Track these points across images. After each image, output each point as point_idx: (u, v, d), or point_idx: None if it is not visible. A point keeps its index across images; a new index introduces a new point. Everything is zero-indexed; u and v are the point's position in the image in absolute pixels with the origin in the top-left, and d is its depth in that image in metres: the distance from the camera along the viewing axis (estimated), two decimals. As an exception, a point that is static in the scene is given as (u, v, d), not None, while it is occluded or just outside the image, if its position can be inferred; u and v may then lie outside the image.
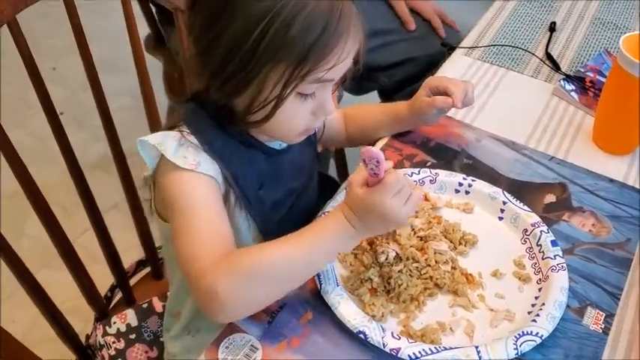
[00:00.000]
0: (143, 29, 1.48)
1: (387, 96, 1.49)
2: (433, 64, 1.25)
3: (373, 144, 0.94)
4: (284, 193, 0.80)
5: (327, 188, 0.86)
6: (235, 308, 0.64)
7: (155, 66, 1.44)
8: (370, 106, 0.96)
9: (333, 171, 1.51)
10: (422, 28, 1.37)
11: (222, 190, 0.72)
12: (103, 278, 1.05)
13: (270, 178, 0.77)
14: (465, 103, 0.87)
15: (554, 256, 0.76)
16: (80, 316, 1.12)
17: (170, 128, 0.72)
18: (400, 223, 0.68)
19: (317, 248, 0.66)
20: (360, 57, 0.72)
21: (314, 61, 0.66)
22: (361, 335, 0.67)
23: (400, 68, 1.37)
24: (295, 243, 0.65)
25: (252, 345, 0.68)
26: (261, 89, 0.67)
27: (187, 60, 0.73)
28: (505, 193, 0.84)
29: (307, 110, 0.71)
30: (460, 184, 0.86)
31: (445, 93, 0.85)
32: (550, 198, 0.86)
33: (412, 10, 1.37)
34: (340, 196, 0.81)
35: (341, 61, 0.68)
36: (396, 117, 0.91)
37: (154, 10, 1.47)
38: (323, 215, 0.78)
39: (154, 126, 1.01)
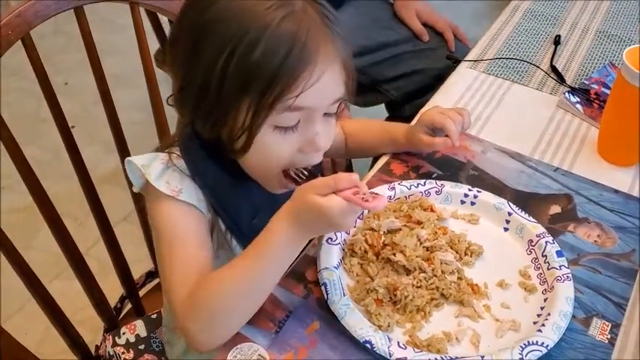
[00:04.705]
0: (154, 44, 1.50)
1: (394, 109, 1.50)
2: (441, 76, 1.26)
3: (378, 157, 0.95)
4: None
5: None
6: (211, 341, 0.67)
7: (166, 79, 1.46)
8: (370, 124, 0.96)
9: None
10: (432, 40, 1.38)
11: (207, 217, 0.72)
12: (113, 289, 1.07)
13: (264, 207, 0.76)
14: (463, 130, 0.89)
15: (560, 266, 0.76)
16: (90, 327, 1.13)
17: (166, 147, 0.74)
18: (336, 224, 0.63)
19: (268, 263, 0.65)
20: (350, 86, 0.70)
21: (280, 87, 0.63)
22: (367, 345, 0.68)
23: (408, 80, 1.37)
24: (247, 262, 0.65)
25: (259, 354, 0.69)
26: (236, 119, 0.66)
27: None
28: (510, 204, 0.84)
29: (291, 145, 0.69)
30: (466, 196, 0.86)
31: (441, 127, 0.86)
32: (555, 209, 0.87)
33: (425, 25, 1.38)
34: None
35: (309, 86, 0.64)
36: (394, 141, 0.93)
37: (167, 21, 1.48)
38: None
39: (163, 140, 1.02)
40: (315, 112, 0.68)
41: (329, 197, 0.62)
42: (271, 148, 0.68)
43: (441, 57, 1.34)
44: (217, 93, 0.65)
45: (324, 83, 0.66)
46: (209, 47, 0.65)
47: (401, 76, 1.37)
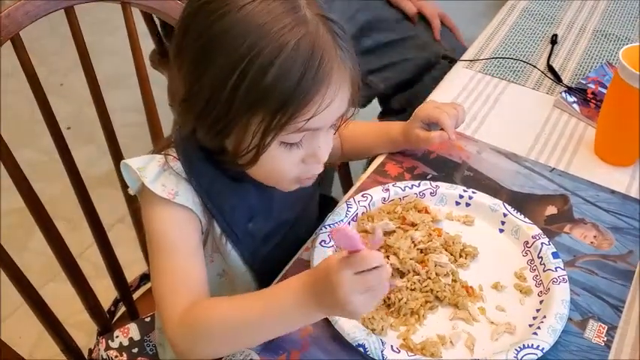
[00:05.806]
0: (150, 44, 1.49)
1: (385, 101, 1.48)
2: (428, 66, 1.24)
3: (373, 158, 0.95)
4: (275, 225, 0.79)
5: (328, 209, 0.85)
6: (198, 358, 0.66)
7: (162, 80, 1.45)
8: (366, 126, 0.95)
9: (337, 184, 1.51)
10: (418, 28, 1.37)
11: (203, 221, 0.72)
12: (107, 292, 1.06)
13: (260, 211, 0.76)
14: (458, 125, 0.88)
15: (556, 268, 0.76)
16: (84, 330, 1.12)
17: (162, 148, 0.73)
18: (350, 312, 0.58)
19: (270, 317, 0.62)
20: (356, 98, 0.70)
21: (292, 111, 0.63)
22: (361, 349, 0.67)
23: (394, 70, 1.36)
24: (251, 307, 0.63)
25: (251, 359, 0.68)
26: (243, 135, 0.66)
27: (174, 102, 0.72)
28: (506, 205, 0.84)
29: (296, 159, 0.69)
30: (461, 197, 0.85)
31: (436, 121, 0.85)
32: (551, 210, 0.86)
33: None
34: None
35: (322, 110, 0.64)
36: (391, 141, 0.92)
37: (157, 23, 1.48)
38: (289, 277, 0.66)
39: (157, 141, 1.02)
40: (321, 130, 0.68)
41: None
42: (277, 163, 0.68)
43: (428, 45, 1.32)
44: (225, 108, 0.64)
45: (334, 105, 0.66)
46: (218, 62, 0.63)
47: (387, 66, 1.36)
